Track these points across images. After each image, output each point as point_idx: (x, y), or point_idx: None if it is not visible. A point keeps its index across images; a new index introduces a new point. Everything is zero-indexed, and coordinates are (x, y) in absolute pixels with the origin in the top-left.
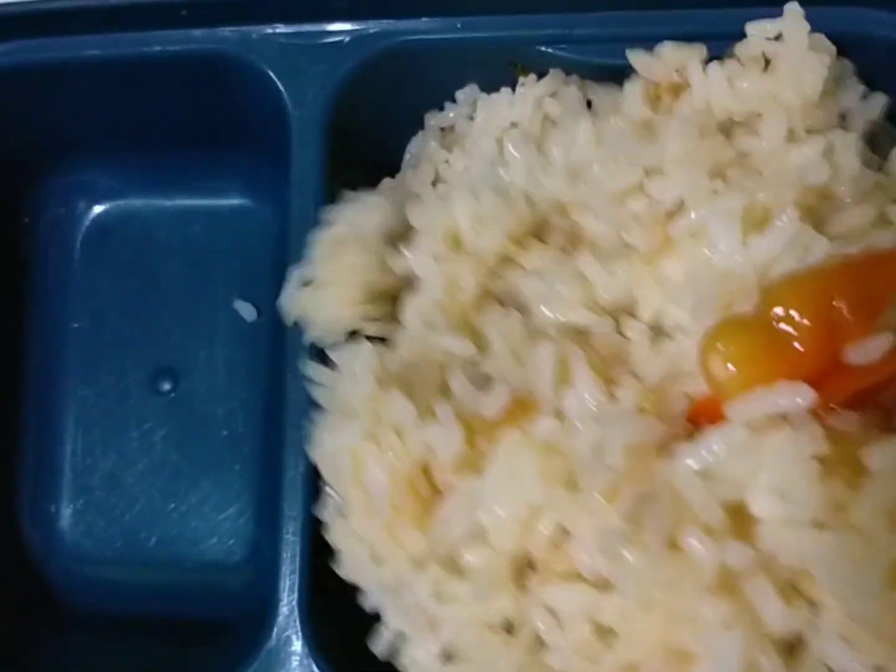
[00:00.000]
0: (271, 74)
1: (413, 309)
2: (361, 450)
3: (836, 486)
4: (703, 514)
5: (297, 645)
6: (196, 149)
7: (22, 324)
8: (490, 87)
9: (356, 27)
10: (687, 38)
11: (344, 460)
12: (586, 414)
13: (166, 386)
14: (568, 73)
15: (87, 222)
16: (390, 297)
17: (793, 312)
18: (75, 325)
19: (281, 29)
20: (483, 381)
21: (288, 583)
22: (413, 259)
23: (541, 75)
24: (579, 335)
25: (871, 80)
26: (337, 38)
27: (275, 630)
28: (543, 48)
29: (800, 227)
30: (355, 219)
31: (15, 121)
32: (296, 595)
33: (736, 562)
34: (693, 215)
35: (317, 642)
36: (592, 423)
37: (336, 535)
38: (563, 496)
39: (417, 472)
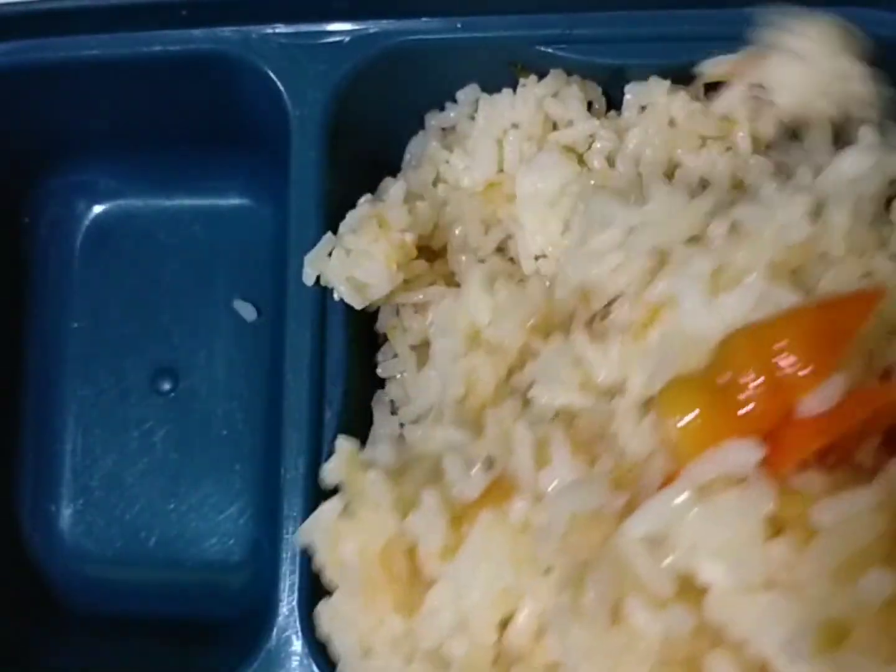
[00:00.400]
0: (271, 74)
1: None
2: (338, 527)
3: (786, 547)
4: (649, 582)
5: (297, 645)
6: (196, 149)
7: (22, 324)
8: (491, 87)
9: (356, 27)
10: (686, 38)
11: (322, 538)
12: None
13: (166, 386)
14: (569, 74)
15: (87, 222)
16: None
17: (739, 367)
18: (75, 325)
19: (281, 29)
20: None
21: (288, 583)
22: (434, 360)
23: (541, 75)
24: (574, 417)
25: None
26: (337, 38)
27: (275, 630)
28: (543, 48)
29: (768, 285)
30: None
31: (15, 121)
32: (296, 595)
33: (678, 629)
34: (665, 281)
35: (317, 642)
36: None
37: (323, 620)
38: (534, 577)
39: (397, 553)
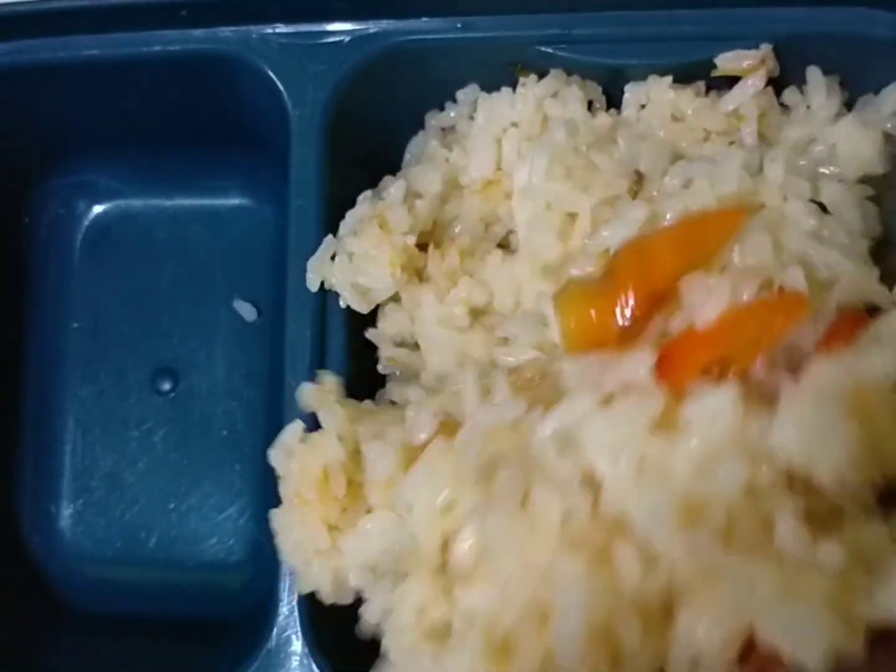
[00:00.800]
0: (271, 74)
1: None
2: (294, 448)
3: (664, 441)
4: (552, 470)
5: (297, 645)
6: (196, 149)
7: (22, 324)
8: (491, 86)
9: (356, 27)
10: (686, 38)
11: (280, 456)
12: None
13: (166, 386)
14: (569, 74)
15: (87, 222)
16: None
17: (621, 276)
18: (75, 325)
19: (281, 29)
20: None
21: (288, 583)
22: (421, 333)
23: (541, 75)
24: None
25: (871, 80)
26: (337, 38)
27: (275, 630)
28: (543, 48)
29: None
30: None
31: (15, 121)
32: (296, 595)
33: (576, 510)
34: (604, 231)
35: (317, 642)
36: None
37: (273, 526)
38: (472, 491)
39: (339, 475)
